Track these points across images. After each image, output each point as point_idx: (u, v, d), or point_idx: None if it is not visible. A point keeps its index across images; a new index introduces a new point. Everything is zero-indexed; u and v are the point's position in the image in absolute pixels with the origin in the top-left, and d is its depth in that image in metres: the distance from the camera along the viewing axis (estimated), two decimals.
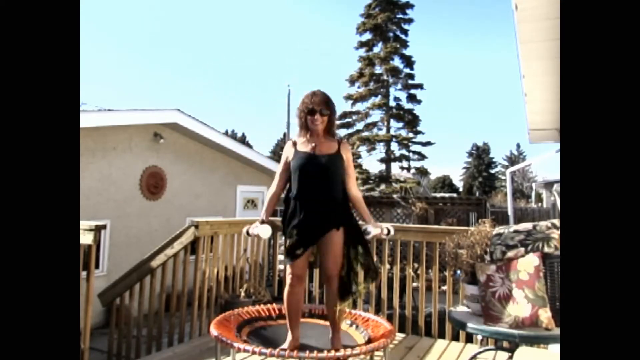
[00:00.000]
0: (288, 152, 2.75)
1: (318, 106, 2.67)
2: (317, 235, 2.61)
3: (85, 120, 6.17)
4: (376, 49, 22.97)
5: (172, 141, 7.84)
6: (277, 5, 74.63)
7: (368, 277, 2.76)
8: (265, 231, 2.76)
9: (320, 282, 4.03)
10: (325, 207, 2.62)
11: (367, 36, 23.12)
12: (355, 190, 2.77)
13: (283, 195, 2.80)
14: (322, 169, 2.63)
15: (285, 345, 2.61)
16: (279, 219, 4.67)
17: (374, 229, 2.71)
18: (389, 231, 2.82)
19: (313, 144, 2.67)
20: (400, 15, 22.86)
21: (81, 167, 6.19)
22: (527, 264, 2.33)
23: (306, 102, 2.69)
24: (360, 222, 2.78)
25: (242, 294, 4.02)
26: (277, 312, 3.09)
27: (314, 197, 2.62)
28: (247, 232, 2.81)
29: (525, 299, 2.25)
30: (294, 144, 2.74)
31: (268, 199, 2.85)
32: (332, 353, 2.27)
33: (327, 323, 2.83)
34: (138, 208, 7.29)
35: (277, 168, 2.83)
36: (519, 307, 2.24)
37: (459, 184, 48.71)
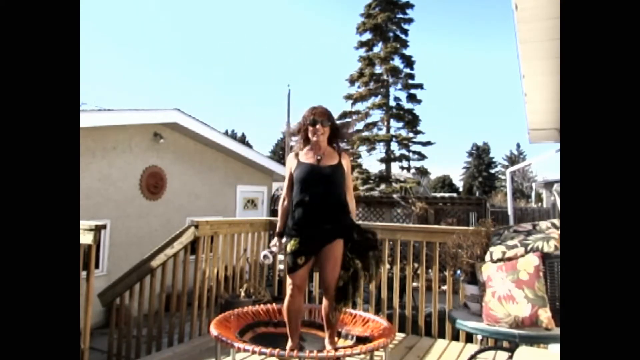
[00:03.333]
0: (291, 164, 2.80)
1: (319, 117, 2.73)
2: (318, 245, 2.64)
3: (85, 120, 6.16)
4: (376, 49, 22.95)
5: (172, 141, 7.84)
6: (277, 5, 74.69)
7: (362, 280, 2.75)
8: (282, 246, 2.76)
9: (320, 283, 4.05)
10: (327, 218, 2.65)
11: (367, 36, 23.11)
12: (350, 201, 2.81)
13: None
14: (326, 180, 2.68)
15: (286, 352, 2.64)
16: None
17: None
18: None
19: (317, 156, 2.72)
20: (400, 15, 22.85)
21: (81, 167, 6.19)
22: (527, 264, 2.33)
23: (306, 116, 2.76)
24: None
25: (242, 294, 4.02)
26: (277, 314, 3.09)
27: (317, 207, 2.65)
28: (266, 255, 2.79)
29: (525, 298, 2.25)
30: (297, 155, 2.79)
31: (280, 214, 2.84)
32: (332, 353, 2.27)
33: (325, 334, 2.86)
34: (138, 208, 7.28)
35: (284, 182, 2.88)
36: (519, 307, 2.24)
37: (459, 183, 48.71)
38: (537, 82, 4.05)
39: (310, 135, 2.74)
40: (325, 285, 2.66)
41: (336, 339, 2.82)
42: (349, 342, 2.82)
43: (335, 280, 2.62)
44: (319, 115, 2.73)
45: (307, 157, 2.75)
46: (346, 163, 2.79)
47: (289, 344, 2.70)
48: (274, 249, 2.77)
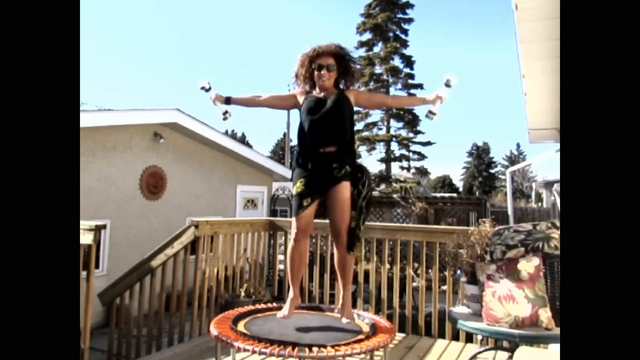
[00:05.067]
0: (298, 93, 2.68)
1: (325, 61, 2.56)
2: (325, 185, 2.51)
3: (85, 120, 6.16)
4: (376, 49, 22.96)
5: (172, 141, 7.84)
6: (277, 5, 74.68)
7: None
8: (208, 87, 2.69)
9: (320, 280, 4.05)
10: (333, 154, 2.51)
11: (367, 36, 23.11)
12: (389, 98, 2.67)
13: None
14: (331, 111, 2.52)
15: (287, 304, 2.58)
16: (279, 218, 4.69)
17: (433, 105, 2.63)
18: (448, 83, 2.63)
19: (323, 93, 2.61)
20: (400, 15, 22.85)
21: (81, 167, 6.19)
22: (527, 264, 2.33)
23: (311, 56, 2.57)
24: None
25: (242, 294, 4.02)
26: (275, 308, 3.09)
27: (323, 143, 2.51)
28: (204, 87, 2.70)
29: (525, 298, 2.25)
30: (306, 91, 2.66)
31: (248, 96, 2.73)
32: (332, 352, 2.27)
33: (327, 314, 2.80)
34: (138, 208, 7.28)
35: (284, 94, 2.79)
36: (519, 306, 2.24)
37: (459, 183, 48.69)
38: (537, 82, 4.06)
39: (315, 79, 2.58)
40: (335, 231, 2.53)
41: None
42: (361, 322, 2.77)
43: (346, 224, 2.51)
44: (325, 59, 2.55)
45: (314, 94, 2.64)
46: (352, 92, 2.63)
47: (290, 294, 2.60)
48: (212, 94, 2.67)
